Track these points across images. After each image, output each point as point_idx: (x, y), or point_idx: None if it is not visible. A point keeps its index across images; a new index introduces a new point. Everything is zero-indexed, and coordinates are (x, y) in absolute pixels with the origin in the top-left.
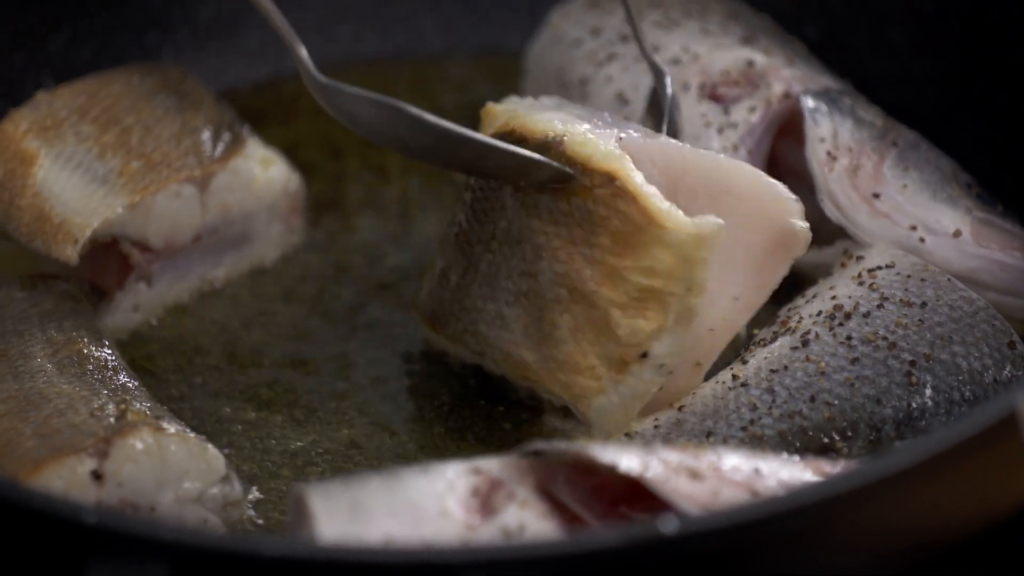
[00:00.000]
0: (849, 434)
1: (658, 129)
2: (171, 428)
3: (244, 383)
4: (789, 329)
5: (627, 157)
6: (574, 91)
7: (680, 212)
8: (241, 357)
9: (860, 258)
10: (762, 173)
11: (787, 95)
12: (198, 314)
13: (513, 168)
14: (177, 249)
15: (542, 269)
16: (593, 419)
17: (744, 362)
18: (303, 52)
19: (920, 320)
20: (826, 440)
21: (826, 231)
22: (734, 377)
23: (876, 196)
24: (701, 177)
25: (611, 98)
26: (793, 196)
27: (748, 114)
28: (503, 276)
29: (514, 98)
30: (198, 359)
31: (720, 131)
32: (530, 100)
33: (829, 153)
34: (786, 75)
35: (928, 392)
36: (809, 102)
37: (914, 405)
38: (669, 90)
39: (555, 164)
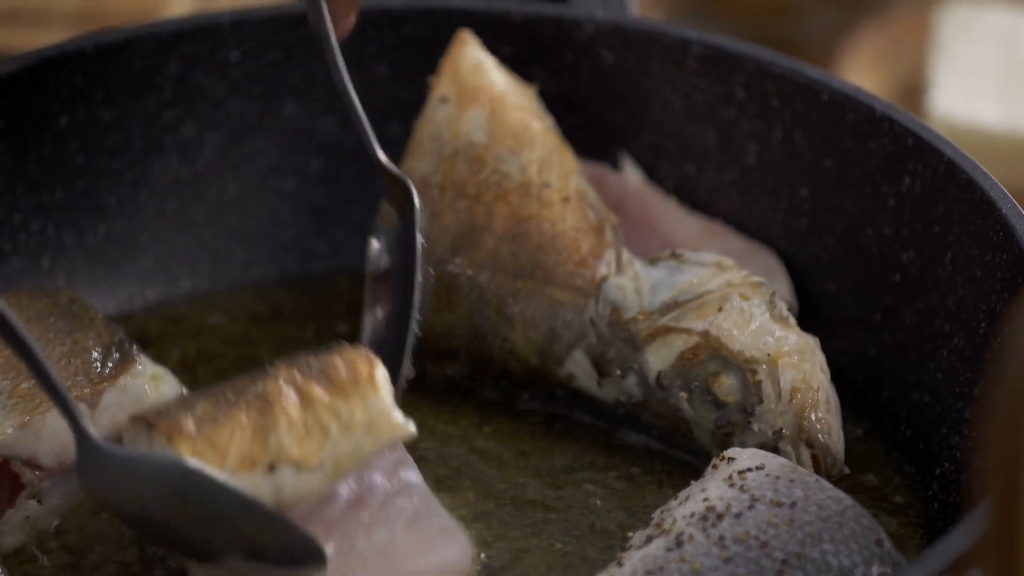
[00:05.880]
0: None
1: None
2: None
3: None
4: (663, 531)
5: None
6: None
7: (395, 405)
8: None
9: (731, 460)
10: None
11: None
12: (88, 528)
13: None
14: (68, 466)
15: (255, 388)
16: None
17: (620, 565)
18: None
19: (791, 519)
20: None
21: None
22: None
23: None
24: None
25: None
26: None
27: None
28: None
29: None
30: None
31: None
32: None
33: None
34: None
35: None
36: None
37: None
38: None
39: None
